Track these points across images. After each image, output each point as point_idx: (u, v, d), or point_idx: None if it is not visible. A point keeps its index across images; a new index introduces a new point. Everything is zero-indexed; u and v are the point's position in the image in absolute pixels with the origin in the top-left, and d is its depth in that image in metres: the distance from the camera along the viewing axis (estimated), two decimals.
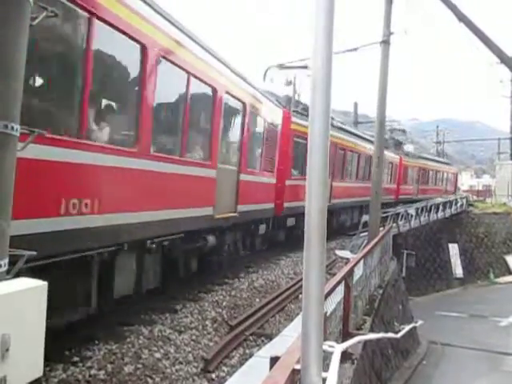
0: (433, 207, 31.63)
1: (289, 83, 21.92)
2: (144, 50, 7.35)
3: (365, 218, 20.53)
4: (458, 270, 35.31)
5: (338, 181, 21.70)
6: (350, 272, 8.06)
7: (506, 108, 52.19)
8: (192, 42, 9.05)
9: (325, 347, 2.95)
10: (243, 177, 12.33)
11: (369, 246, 11.62)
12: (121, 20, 6.66)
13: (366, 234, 18.51)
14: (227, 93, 10.85)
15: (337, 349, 3.15)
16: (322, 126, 2.52)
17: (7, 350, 3.26)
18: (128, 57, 7.28)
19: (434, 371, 14.82)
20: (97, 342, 7.35)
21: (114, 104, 7.41)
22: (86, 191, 6.21)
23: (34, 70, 5.39)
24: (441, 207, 33.19)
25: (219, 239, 11.51)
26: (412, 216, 27.36)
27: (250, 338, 8.69)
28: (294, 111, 18.15)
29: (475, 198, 51.64)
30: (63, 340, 6.86)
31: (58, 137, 5.64)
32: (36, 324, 3.53)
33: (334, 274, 8.14)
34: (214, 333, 8.50)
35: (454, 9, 18.23)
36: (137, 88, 7.48)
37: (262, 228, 14.91)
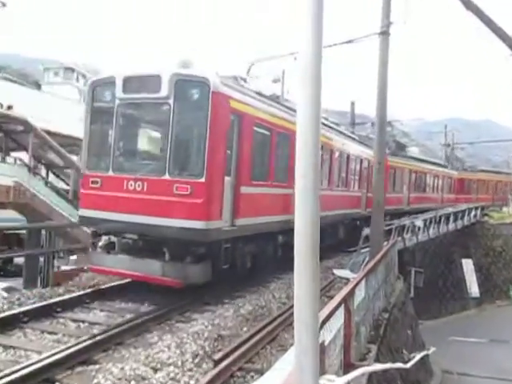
0: (442, 218, 31.42)
1: (276, 81, 22.05)
2: (271, 131, 15.43)
3: (366, 231, 20.54)
4: (474, 289, 35.06)
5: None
6: (351, 294, 8.01)
7: None
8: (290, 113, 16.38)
9: (323, 382, 2.90)
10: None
11: (371, 264, 11.59)
12: (264, 119, 14.99)
13: (367, 250, 18.70)
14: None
15: (337, 383, 3.10)
16: (312, 124, 2.50)
17: None
18: (265, 135, 15.31)
19: None
20: None
21: (266, 161, 15.62)
22: (264, 206, 14.96)
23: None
24: (452, 218, 32.99)
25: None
26: (419, 228, 27.20)
27: (238, 373, 8.55)
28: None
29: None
30: None
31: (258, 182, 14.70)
32: None
33: (332, 297, 8.09)
34: (195, 369, 8.35)
35: None
36: (268, 149, 15.56)
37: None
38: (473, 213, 38.20)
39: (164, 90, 12.80)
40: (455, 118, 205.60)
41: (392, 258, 15.54)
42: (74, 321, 11.01)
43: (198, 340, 9.75)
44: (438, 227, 30.66)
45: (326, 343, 5.39)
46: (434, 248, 32.70)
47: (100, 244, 13.95)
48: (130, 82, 13.33)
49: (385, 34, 17.27)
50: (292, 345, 9.53)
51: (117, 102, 13.42)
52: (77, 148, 26.04)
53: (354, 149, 26.35)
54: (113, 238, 13.94)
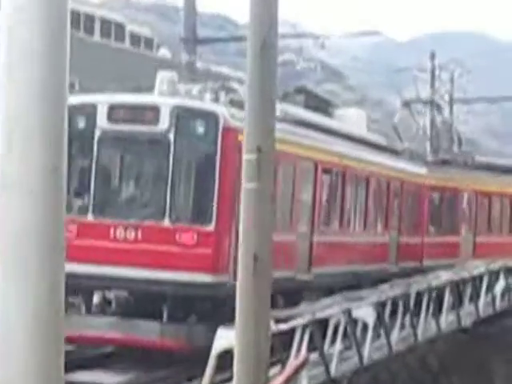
0: (427, 298, 17.84)
1: None
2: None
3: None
4: None
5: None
6: None
7: None
8: None
9: None
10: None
11: None
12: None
13: None
14: None
15: None
16: None
17: None
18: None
19: None
20: None
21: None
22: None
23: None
24: (448, 297, 18.96)
25: None
26: (368, 328, 14.73)
27: None
28: None
29: None
30: None
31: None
32: None
33: None
34: None
35: None
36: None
37: None
38: (500, 285, 22.21)
39: (163, 123, 12.59)
40: (437, 33, 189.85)
41: None
42: None
43: None
44: (413, 323, 17.11)
45: None
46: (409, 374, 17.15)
47: (95, 302, 13.08)
48: (117, 111, 12.95)
49: None
50: None
51: (98, 132, 12.88)
52: None
53: (374, 161, 20.99)
54: (109, 295, 13.17)
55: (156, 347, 12.02)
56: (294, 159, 16.01)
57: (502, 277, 22.68)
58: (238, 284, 6.91)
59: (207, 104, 13.13)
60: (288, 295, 15.38)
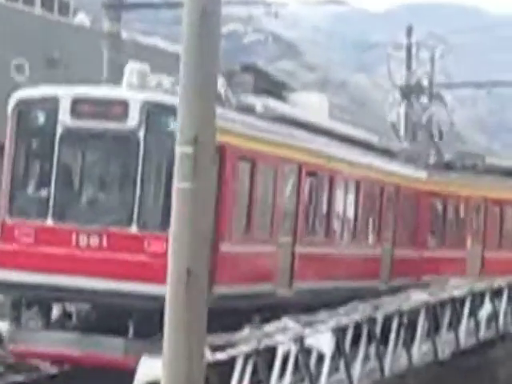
0: (397, 325, 17.42)
1: None
2: None
3: None
4: None
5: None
6: None
7: None
8: None
9: None
10: None
11: None
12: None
13: None
14: None
15: None
16: None
17: None
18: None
19: None
20: None
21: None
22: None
23: None
24: (423, 325, 18.67)
25: None
26: (326, 359, 14.06)
27: None
28: None
29: None
30: None
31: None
32: None
33: None
34: None
35: None
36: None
37: None
38: (486, 309, 22.15)
39: (133, 119, 13.68)
40: (413, 3, 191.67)
41: None
42: None
43: None
44: (380, 354, 16.43)
45: None
46: None
47: (54, 316, 13.79)
48: (82, 105, 13.80)
49: None
50: None
51: (60, 128, 13.70)
52: None
53: (363, 164, 22.24)
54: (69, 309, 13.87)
55: (119, 366, 12.56)
56: (275, 161, 17.26)
57: (487, 299, 22.39)
58: (166, 304, 6.62)
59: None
60: (266, 313, 16.33)
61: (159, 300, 12.03)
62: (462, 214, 27.69)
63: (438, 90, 46.50)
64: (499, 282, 23.55)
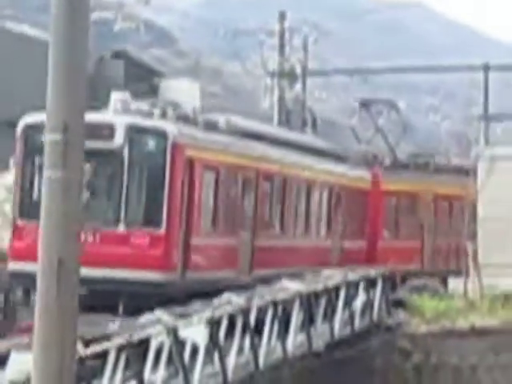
0: (271, 316, 17.20)
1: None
2: None
3: None
4: None
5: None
6: None
7: None
8: None
9: None
10: None
11: None
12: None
13: None
14: None
15: None
16: None
17: None
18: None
19: None
20: None
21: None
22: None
23: None
24: (297, 316, 18.41)
25: None
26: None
27: None
28: None
29: None
30: None
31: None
32: None
33: None
34: None
35: None
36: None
37: None
38: (360, 299, 22.41)
39: (119, 139, 17.46)
40: None
41: None
42: None
43: None
44: (254, 346, 16.35)
45: None
46: None
47: None
48: None
49: None
50: None
51: None
52: None
53: (314, 167, 26.14)
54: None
55: None
56: (235, 169, 21.05)
57: (361, 289, 22.43)
58: (37, 296, 6.43)
59: (158, 122, 18.10)
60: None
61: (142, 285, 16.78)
62: (416, 208, 30.70)
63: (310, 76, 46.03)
64: (372, 272, 24.18)
